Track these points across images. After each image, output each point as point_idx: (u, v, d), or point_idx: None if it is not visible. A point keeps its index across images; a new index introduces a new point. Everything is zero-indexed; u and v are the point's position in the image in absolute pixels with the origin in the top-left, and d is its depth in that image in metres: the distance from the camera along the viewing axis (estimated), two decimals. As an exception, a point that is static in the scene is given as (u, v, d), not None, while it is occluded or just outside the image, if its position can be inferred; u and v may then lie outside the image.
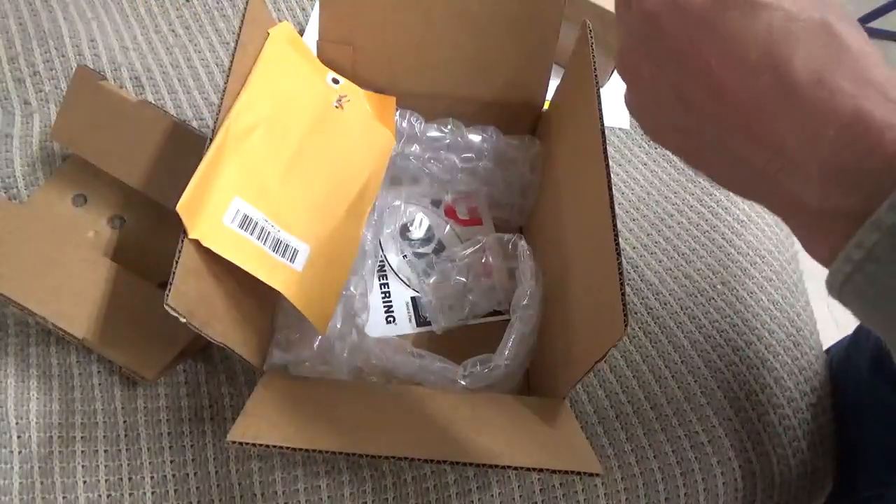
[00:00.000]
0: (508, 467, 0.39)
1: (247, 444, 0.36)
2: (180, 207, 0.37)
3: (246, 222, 0.41)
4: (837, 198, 0.23)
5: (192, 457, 0.45)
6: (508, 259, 0.53)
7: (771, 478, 0.51)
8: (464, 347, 0.47)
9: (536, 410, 0.44)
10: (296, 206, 0.45)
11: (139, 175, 0.50)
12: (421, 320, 0.54)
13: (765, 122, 0.23)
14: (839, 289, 0.24)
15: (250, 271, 0.40)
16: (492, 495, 0.46)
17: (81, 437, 0.45)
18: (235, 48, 0.43)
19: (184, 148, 0.49)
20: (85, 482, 0.44)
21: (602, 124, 0.42)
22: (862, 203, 0.22)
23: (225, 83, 0.42)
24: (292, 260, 0.43)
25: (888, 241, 0.21)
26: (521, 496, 0.46)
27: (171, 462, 0.45)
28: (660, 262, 0.59)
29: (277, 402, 0.41)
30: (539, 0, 0.52)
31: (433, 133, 0.56)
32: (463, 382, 0.45)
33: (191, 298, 0.36)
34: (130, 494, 0.44)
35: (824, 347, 0.61)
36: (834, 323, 0.82)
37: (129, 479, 0.44)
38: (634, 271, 0.58)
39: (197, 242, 0.38)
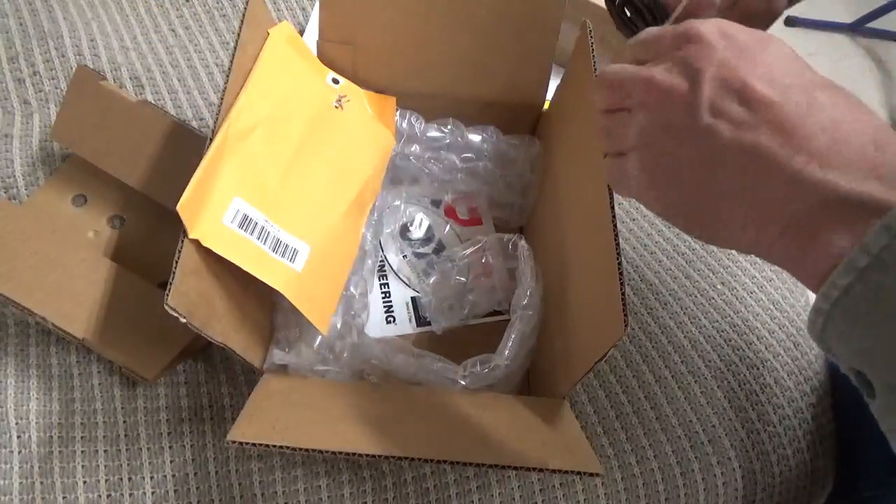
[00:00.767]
0: (508, 467, 0.39)
1: (247, 444, 0.36)
2: (180, 207, 0.37)
3: (246, 222, 0.41)
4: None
5: (192, 457, 0.45)
6: (508, 259, 0.53)
7: (771, 478, 0.51)
8: (464, 347, 0.47)
9: (536, 410, 0.44)
10: (296, 206, 0.45)
11: (139, 175, 0.50)
12: (421, 320, 0.54)
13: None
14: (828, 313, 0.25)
15: (250, 271, 0.40)
16: (492, 495, 0.46)
17: (81, 437, 0.45)
18: (235, 48, 0.43)
19: (184, 148, 0.49)
20: (85, 482, 0.44)
21: (602, 124, 0.42)
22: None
23: (225, 83, 0.42)
24: (292, 260, 0.43)
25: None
26: (521, 496, 0.46)
27: (171, 462, 0.45)
28: (660, 262, 0.59)
29: (277, 402, 0.41)
30: (539, 0, 0.52)
31: (433, 133, 0.56)
32: (463, 382, 0.45)
33: (191, 298, 0.36)
34: (130, 494, 0.44)
35: (824, 347, 0.61)
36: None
37: (129, 479, 0.44)
38: (634, 271, 0.58)
39: (197, 242, 0.38)
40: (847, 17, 1.78)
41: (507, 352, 0.46)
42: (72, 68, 0.61)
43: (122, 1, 0.69)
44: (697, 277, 0.58)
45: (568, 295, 0.46)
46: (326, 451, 0.37)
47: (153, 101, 0.56)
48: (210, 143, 0.41)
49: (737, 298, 0.57)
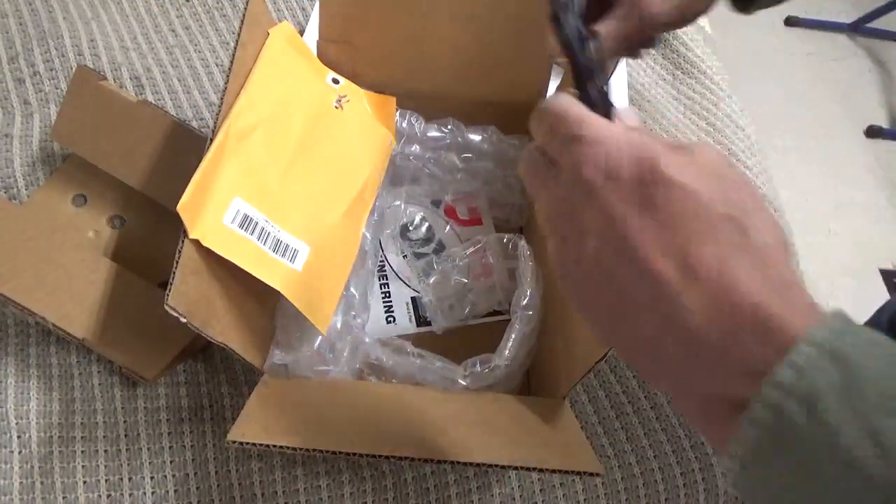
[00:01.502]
0: (508, 467, 0.39)
1: (247, 444, 0.36)
2: (181, 207, 0.37)
3: (246, 222, 0.41)
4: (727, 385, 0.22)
5: (192, 457, 0.45)
6: (508, 259, 0.53)
7: (771, 478, 0.51)
8: (464, 347, 0.47)
9: (536, 410, 0.44)
10: (296, 206, 0.45)
11: (139, 175, 0.50)
12: (421, 320, 0.54)
13: (670, 299, 0.23)
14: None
15: (250, 271, 0.40)
16: (492, 495, 0.46)
17: (81, 437, 0.45)
18: (235, 48, 0.43)
19: (184, 148, 0.49)
20: (85, 482, 0.44)
21: (602, 124, 0.42)
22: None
23: (225, 83, 0.42)
24: (292, 260, 0.43)
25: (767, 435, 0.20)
26: (521, 496, 0.46)
27: (171, 462, 0.45)
28: (660, 262, 0.59)
29: (277, 402, 0.41)
30: (539, 0, 0.52)
31: (433, 133, 0.56)
32: (463, 382, 0.45)
33: (191, 298, 0.36)
34: (130, 494, 0.44)
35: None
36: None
37: (129, 479, 0.44)
38: (634, 271, 0.58)
39: (197, 242, 0.38)
40: (847, 17, 1.78)
41: (507, 352, 0.46)
42: (72, 68, 0.61)
43: (122, 1, 0.69)
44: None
45: (568, 295, 0.46)
46: (326, 451, 0.37)
47: (153, 101, 0.56)
48: (210, 143, 0.41)
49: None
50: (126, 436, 0.45)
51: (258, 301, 0.45)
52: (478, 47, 0.54)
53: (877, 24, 1.74)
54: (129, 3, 0.69)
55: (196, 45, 0.66)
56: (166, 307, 0.34)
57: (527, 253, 0.51)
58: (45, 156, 0.55)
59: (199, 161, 0.40)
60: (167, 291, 0.34)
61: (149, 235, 0.52)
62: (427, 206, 0.59)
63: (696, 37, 0.76)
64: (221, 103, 0.42)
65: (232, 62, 0.43)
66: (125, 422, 0.46)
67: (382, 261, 0.56)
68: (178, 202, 0.37)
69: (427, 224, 0.58)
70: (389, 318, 0.53)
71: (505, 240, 0.53)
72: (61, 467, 0.44)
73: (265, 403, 0.41)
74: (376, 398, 0.44)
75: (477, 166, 0.57)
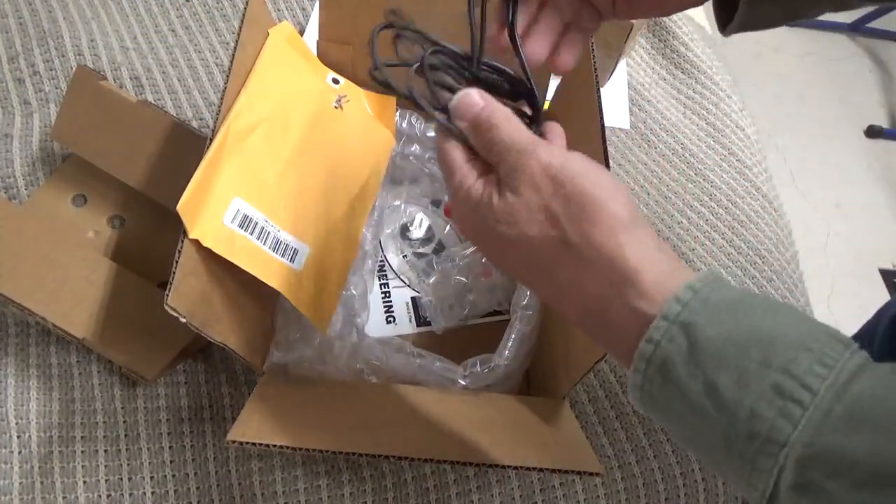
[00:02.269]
0: (508, 467, 0.39)
1: (247, 444, 0.36)
2: (180, 207, 0.37)
3: (246, 222, 0.41)
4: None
5: (192, 457, 0.45)
6: (508, 259, 0.53)
7: (771, 478, 0.51)
8: (464, 347, 0.47)
9: (536, 410, 0.44)
10: (296, 206, 0.45)
11: (139, 175, 0.50)
12: (421, 320, 0.54)
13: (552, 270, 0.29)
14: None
15: (250, 271, 0.40)
16: (492, 495, 0.46)
17: (81, 437, 0.45)
18: (235, 48, 0.43)
19: (184, 148, 0.49)
20: (85, 482, 0.44)
21: (602, 124, 0.42)
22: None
23: (225, 83, 0.42)
24: (292, 260, 0.43)
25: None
26: (521, 496, 0.46)
27: (171, 462, 0.45)
28: (660, 262, 0.59)
29: (277, 402, 0.41)
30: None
31: (433, 133, 0.56)
32: (463, 382, 0.45)
33: (191, 299, 0.36)
34: (130, 494, 0.44)
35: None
36: (834, 323, 0.82)
37: (129, 479, 0.44)
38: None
39: (197, 242, 0.38)
40: (847, 17, 1.78)
41: (507, 352, 0.46)
42: (72, 68, 0.61)
43: (122, 1, 0.69)
44: (697, 277, 0.58)
45: (568, 295, 0.46)
46: (326, 451, 0.37)
47: (153, 101, 0.56)
48: (210, 143, 0.41)
49: (737, 298, 0.57)
50: (126, 436, 0.45)
51: (258, 301, 0.45)
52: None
53: (876, 24, 1.74)
54: (129, 3, 0.69)
55: (196, 45, 0.66)
56: (166, 307, 0.34)
57: (527, 253, 0.51)
58: (45, 156, 0.55)
59: (199, 161, 0.40)
60: (167, 291, 0.34)
61: (149, 235, 0.52)
62: (427, 206, 0.59)
63: (695, 37, 0.76)
64: (221, 103, 0.42)
65: (232, 62, 0.43)
66: (125, 422, 0.46)
67: (382, 261, 0.56)
68: (177, 202, 0.37)
69: (427, 224, 0.58)
70: (389, 318, 0.53)
71: (505, 240, 0.53)
72: (61, 467, 0.44)
73: (265, 403, 0.41)
74: (376, 398, 0.44)
75: (477, 166, 0.57)
